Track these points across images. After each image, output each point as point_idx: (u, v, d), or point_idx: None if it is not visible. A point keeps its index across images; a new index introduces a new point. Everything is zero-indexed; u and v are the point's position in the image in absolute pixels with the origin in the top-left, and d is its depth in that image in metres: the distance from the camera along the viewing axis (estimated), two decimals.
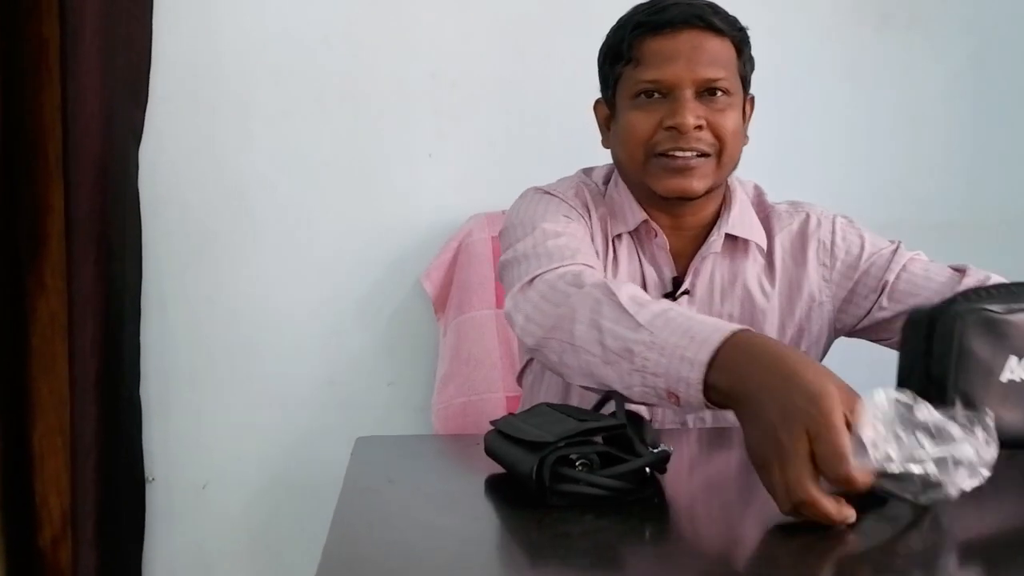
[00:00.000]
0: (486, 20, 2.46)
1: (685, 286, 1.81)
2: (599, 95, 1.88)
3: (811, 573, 1.12)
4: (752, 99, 1.85)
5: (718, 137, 1.73)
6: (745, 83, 1.81)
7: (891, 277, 1.81)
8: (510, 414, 1.44)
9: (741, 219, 1.84)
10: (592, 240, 1.79)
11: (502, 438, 1.41)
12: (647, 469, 1.29)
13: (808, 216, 1.88)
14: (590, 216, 1.83)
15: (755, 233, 1.85)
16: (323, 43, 2.44)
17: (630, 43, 1.75)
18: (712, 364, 1.29)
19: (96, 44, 2.23)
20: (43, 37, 2.23)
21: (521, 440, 1.34)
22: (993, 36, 2.60)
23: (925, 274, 1.79)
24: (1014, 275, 2.57)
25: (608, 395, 1.46)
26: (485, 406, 2.28)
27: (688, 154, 1.72)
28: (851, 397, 1.15)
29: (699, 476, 1.54)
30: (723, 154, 1.75)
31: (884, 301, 1.81)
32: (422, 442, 1.76)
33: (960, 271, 1.78)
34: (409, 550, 1.18)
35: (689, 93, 1.71)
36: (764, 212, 1.90)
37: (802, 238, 1.87)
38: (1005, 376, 1.26)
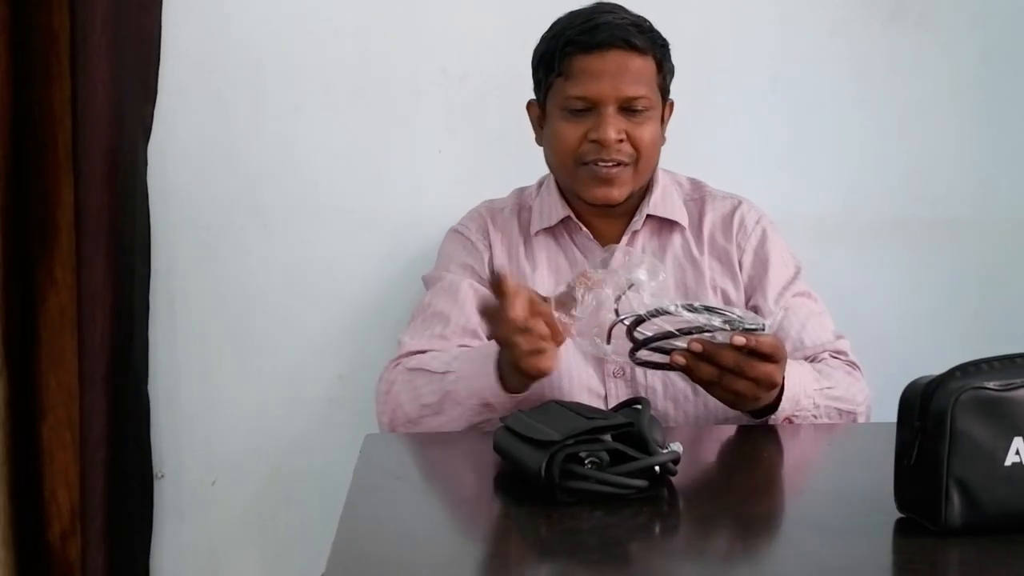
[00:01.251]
0: (496, 15, 2.46)
1: (621, 246, 1.99)
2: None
3: (816, 571, 1.12)
4: (671, 104, 2.06)
5: (636, 148, 1.95)
6: (665, 92, 2.02)
7: (763, 305, 2.01)
8: (519, 411, 1.47)
9: (663, 202, 2.06)
10: (489, 252, 2.08)
11: (511, 435, 1.42)
12: (656, 468, 1.31)
13: (740, 203, 2.10)
14: (487, 234, 2.10)
15: (677, 213, 2.06)
16: (333, 38, 2.43)
17: (561, 58, 1.95)
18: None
19: (106, 37, 2.23)
20: (53, 30, 2.22)
21: (530, 438, 1.37)
22: (1003, 31, 2.58)
23: (801, 326, 2.00)
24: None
25: (637, 398, 1.52)
26: None
27: (610, 164, 1.94)
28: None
29: (709, 474, 1.53)
30: (640, 162, 1.97)
31: None
32: (430, 439, 1.76)
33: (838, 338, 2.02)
34: (417, 546, 1.18)
35: (612, 109, 1.93)
36: (700, 194, 2.12)
37: (730, 218, 2.07)
38: (1010, 460, 1.14)
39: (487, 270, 2.02)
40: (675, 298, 1.66)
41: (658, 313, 1.56)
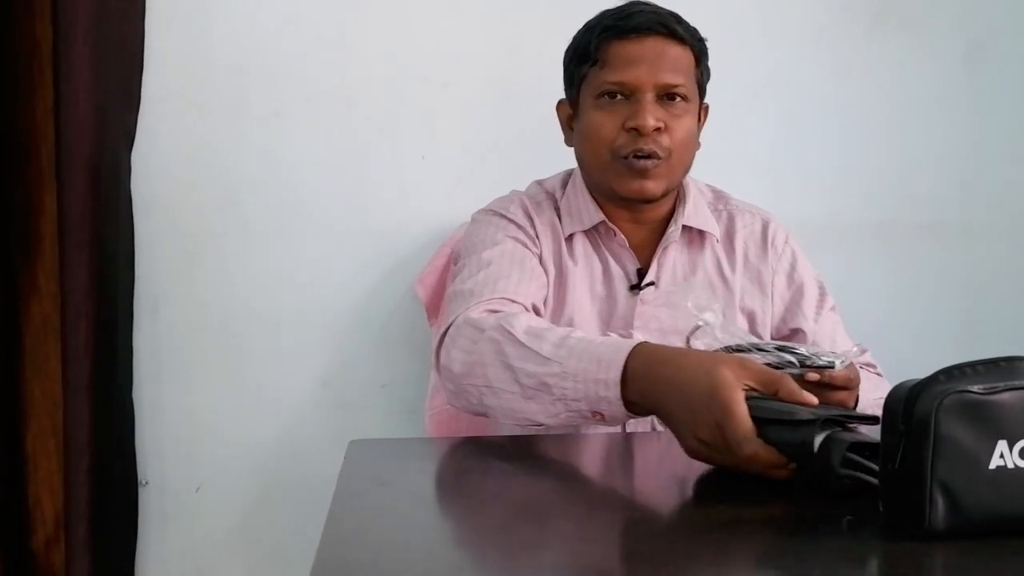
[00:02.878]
0: (479, 23, 2.46)
1: (650, 278, 1.96)
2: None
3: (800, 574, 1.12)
4: (707, 108, 2.02)
5: (673, 140, 1.88)
6: (701, 91, 1.97)
7: (807, 329, 2.00)
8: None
9: (696, 212, 2.00)
10: (537, 244, 1.96)
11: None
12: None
13: (769, 220, 2.07)
14: (533, 224, 1.97)
15: (709, 224, 2.01)
16: (316, 45, 2.43)
17: (597, 45, 1.89)
18: (624, 382, 1.48)
19: (89, 45, 2.23)
20: (35, 38, 2.22)
21: (790, 416, 1.34)
22: (986, 35, 2.60)
23: (831, 341, 1.97)
24: (1013, 275, 2.60)
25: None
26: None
27: (648, 161, 1.87)
28: (748, 369, 1.38)
29: (691, 478, 1.53)
30: (673, 156, 1.90)
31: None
32: (415, 445, 1.77)
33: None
34: (402, 552, 1.18)
35: (650, 96, 1.87)
36: (726, 206, 2.07)
37: (763, 237, 2.04)
38: (994, 463, 1.14)
39: (536, 255, 1.94)
40: (740, 335, 1.62)
41: (735, 350, 1.55)
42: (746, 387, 1.36)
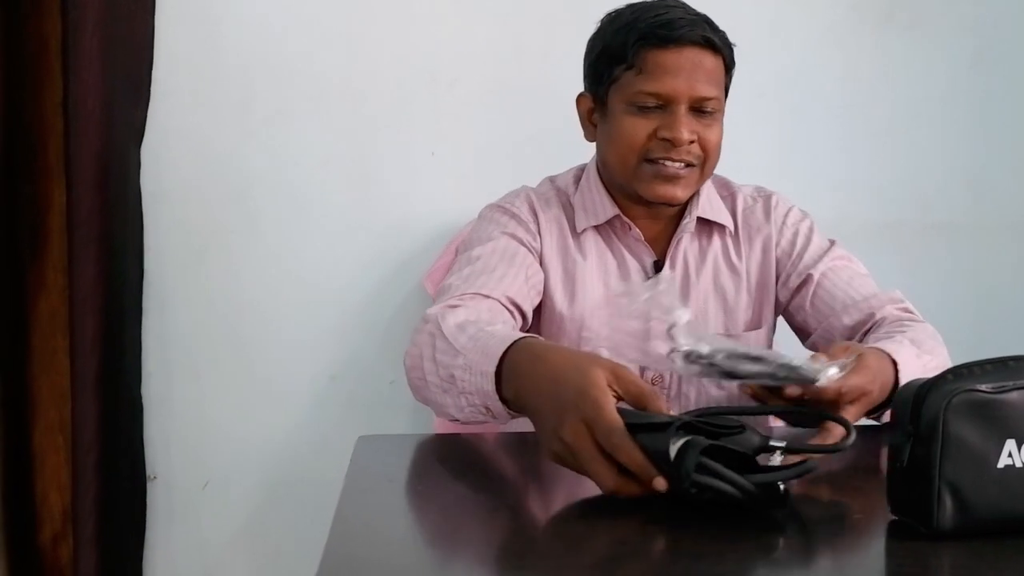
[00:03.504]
0: (484, 19, 2.46)
1: (666, 269, 1.97)
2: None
3: (807, 573, 1.12)
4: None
5: (705, 151, 1.89)
6: (727, 93, 1.96)
7: (816, 274, 1.97)
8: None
9: (710, 204, 2.01)
10: (539, 240, 1.96)
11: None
12: (781, 485, 1.22)
13: (772, 194, 2.07)
14: (537, 220, 1.98)
15: (722, 216, 2.02)
16: (323, 42, 2.43)
17: (635, 50, 1.85)
18: (499, 376, 1.44)
19: (97, 41, 2.23)
20: (44, 34, 2.22)
21: (651, 424, 1.25)
22: (994, 35, 2.59)
23: (847, 284, 1.96)
24: (1021, 274, 2.59)
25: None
26: None
27: (678, 165, 1.87)
28: (621, 378, 1.31)
29: None
30: (706, 165, 1.91)
31: (803, 301, 1.98)
32: (423, 441, 1.76)
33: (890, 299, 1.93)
34: (409, 549, 1.18)
35: (684, 108, 1.85)
36: (730, 192, 2.08)
37: (765, 213, 2.04)
38: (1003, 462, 1.14)
39: (534, 253, 1.95)
40: (715, 340, 1.48)
41: (699, 358, 1.44)
42: (615, 394, 1.30)
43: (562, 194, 2.03)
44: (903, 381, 1.56)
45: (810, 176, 2.55)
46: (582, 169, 2.06)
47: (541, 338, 1.54)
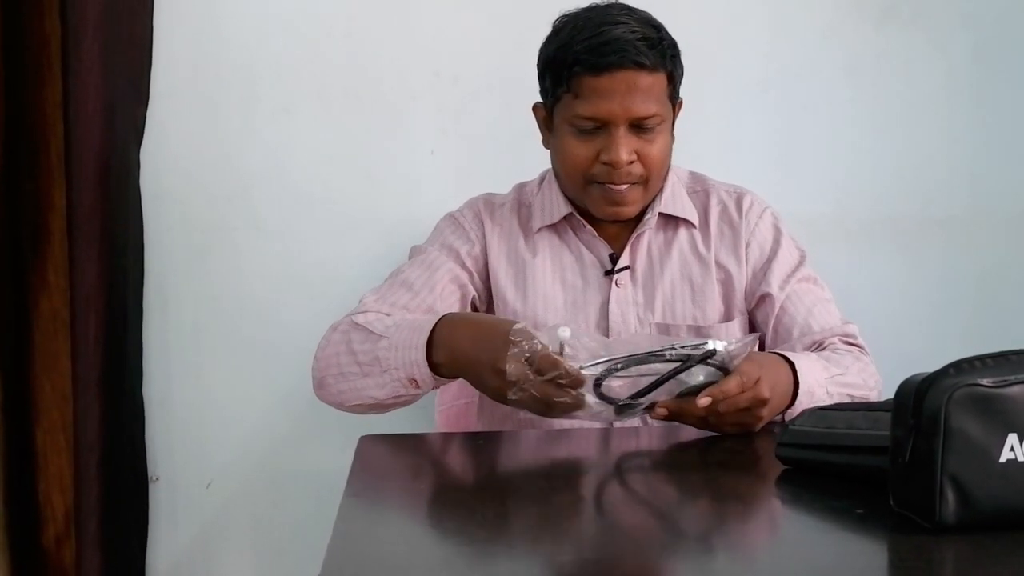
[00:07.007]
0: (488, 17, 2.46)
1: (624, 262, 2.01)
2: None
3: (811, 568, 1.12)
4: (680, 102, 2.01)
5: (647, 167, 1.92)
6: (674, 99, 1.98)
7: (780, 297, 2.00)
8: None
9: (673, 200, 2.04)
10: (477, 245, 2.04)
11: None
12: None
13: (745, 193, 2.09)
14: (482, 226, 2.06)
15: (687, 211, 2.04)
16: (325, 40, 2.43)
17: (569, 75, 1.88)
18: (431, 343, 1.69)
19: (98, 41, 2.23)
20: (44, 34, 2.22)
21: None
22: (995, 31, 2.59)
23: (808, 311, 2.00)
24: (1022, 269, 2.59)
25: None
26: (488, 406, 2.28)
27: (623, 187, 1.92)
28: (533, 349, 1.54)
29: (699, 470, 1.53)
30: (650, 180, 1.94)
31: (766, 319, 2.02)
32: (425, 441, 1.76)
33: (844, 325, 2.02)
34: (412, 548, 1.18)
35: (623, 129, 1.88)
36: (703, 188, 2.10)
37: (738, 206, 2.06)
38: (1005, 456, 1.14)
39: (471, 260, 2.03)
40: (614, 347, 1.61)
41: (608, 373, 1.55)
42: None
43: (524, 197, 2.10)
44: (802, 379, 1.74)
45: (810, 171, 2.54)
46: (546, 172, 2.11)
47: (464, 313, 1.86)
